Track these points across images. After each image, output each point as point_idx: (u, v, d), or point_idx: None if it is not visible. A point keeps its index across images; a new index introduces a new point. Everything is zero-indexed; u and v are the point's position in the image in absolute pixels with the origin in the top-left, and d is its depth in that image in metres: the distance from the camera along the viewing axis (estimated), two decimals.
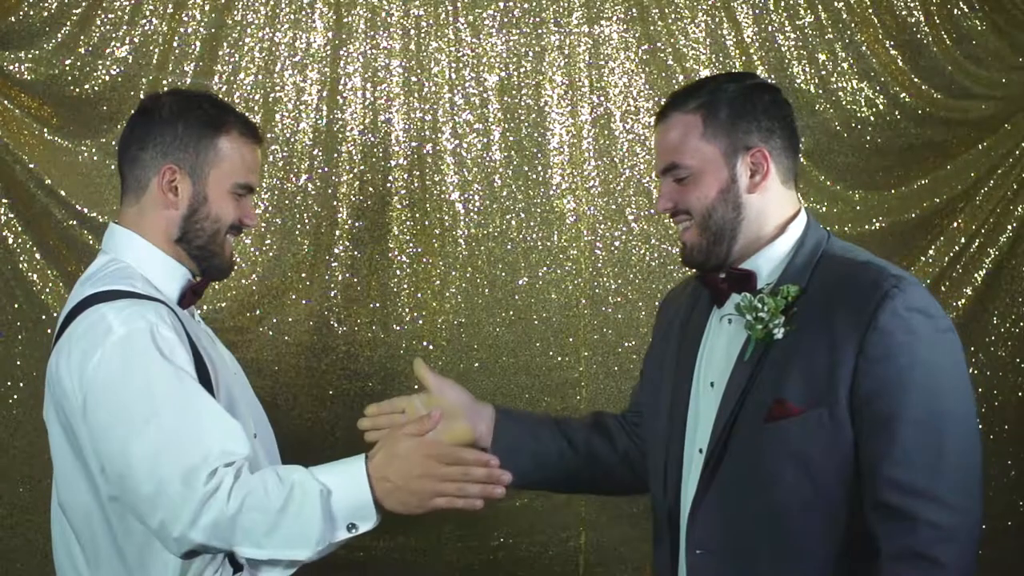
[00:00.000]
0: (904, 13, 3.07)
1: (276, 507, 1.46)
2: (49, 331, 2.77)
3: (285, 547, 1.47)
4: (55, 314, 2.80)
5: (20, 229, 2.83)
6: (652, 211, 3.08)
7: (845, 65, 3.09)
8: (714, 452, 1.59)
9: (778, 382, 1.54)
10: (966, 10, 3.04)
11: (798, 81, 3.09)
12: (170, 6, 2.87)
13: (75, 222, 2.84)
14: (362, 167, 2.99)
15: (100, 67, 2.85)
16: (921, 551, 1.45)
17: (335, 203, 2.99)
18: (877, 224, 3.12)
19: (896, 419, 1.47)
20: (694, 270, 1.76)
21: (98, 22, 2.84)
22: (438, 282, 3.02)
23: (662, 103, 3.20)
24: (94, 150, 2.85)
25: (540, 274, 3.06)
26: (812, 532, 1.53)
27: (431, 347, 3.02)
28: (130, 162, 1.72)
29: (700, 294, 1.77)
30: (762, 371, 1.57)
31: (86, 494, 1.61)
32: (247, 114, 2.87)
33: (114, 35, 2.85)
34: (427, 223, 3.01)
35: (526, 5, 3.02)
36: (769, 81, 1.77)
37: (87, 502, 1.61)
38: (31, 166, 2.81)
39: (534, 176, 3.05)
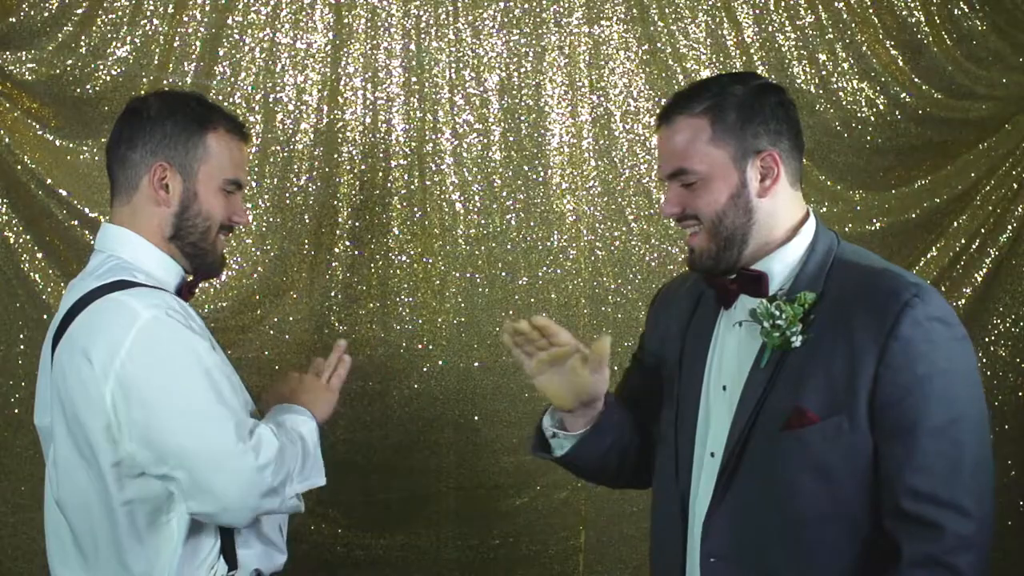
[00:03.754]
0: (904, 13, 3.07)
1: (300, 444, 1.68)
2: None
3: (315, 477, 1.70)
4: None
5: (21, 229, 2.83)
6: (652, 211, 3.08)
7: (845, 65, 3.09)
8: (730, 460, 1.58)
9: (796, 390, 1.53)
10: (966, 10, 3.04)
11: (798, 81, 3.08)
12: (170, 6, 2.87)
13: (76, 222, 2.84)
14: (362, 167, 3.00)
15: (101, 67, 2.85)
16: (942, 559, 1.45)
17: (335, 203, 2.99)
18: (877, 224, 3.12)
19: (916, 427, 1.47)
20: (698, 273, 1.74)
21: (98, 22, 2.84)
22: (438, 282, 3.02)
23: (662, 104, 3.19)
24: (94, 150, 2.85)
25: (540, 274, 3.06)
26: (829, 540, 1.53)
27: (431, 347, 3.02)
28: (120, 162, 1.74)
29: (701, 292, 1.74)
30: (779, 378, 1.55)
31: (90, 493, 1.61)
32: (247, 114, 2.90)
33: (114, 35, 2.85)
34: (427, 223, 3.01)
35: (526, 5, 3.03)
36: (773, 81, 1.76)
37: (89, 500, 1.61)
38: (32, 166, 2.81)
39: (534, 176, 3.05)
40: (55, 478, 1.68)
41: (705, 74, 3.05)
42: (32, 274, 2.84)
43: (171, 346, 1.58)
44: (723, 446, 1.61)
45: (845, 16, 3.08)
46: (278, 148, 2.96)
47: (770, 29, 3.08)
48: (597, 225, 3.08)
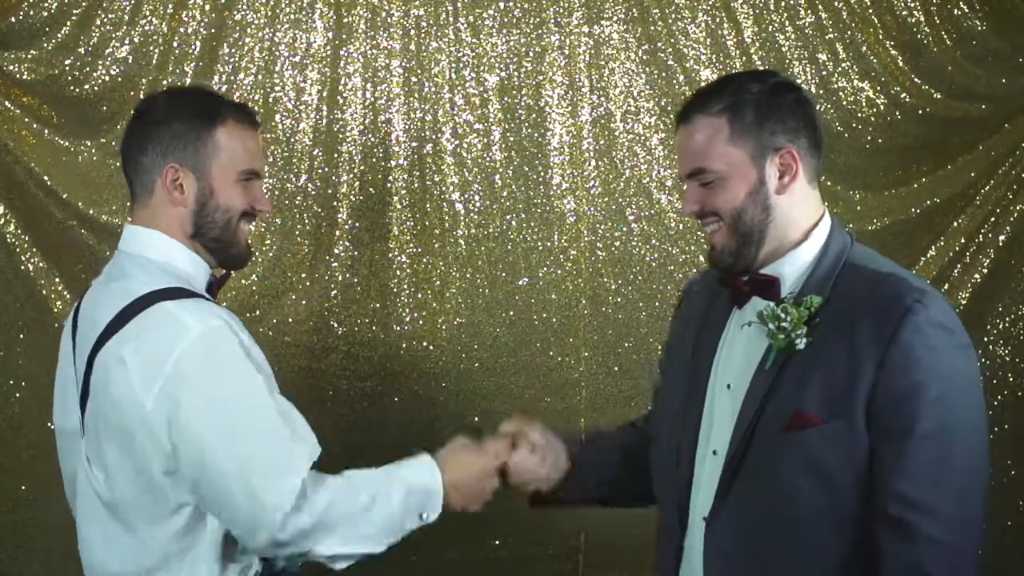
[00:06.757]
0: (904, 13, 3.08)
1: (361, 506, 1.63)
2: (50, 331, 2.77)
3: (366, 542, 1.64)
4: (56, 313, 2.80)
5: (20, 229, 2.83)
6: (653, 211, 3.09)
7: (845, 65, 3.09)
8: (733, 459, 1.59)
9: (798, 392, 1.54)
10: (966, 10, 3.04)
11: (798, 81, 3.08)
12: (170, 6, 2.87)
13: (75, 222, 2.84)
14: (362, 167, 2.99)
15: (100, 67, 2.85)
16: (918, 564, 1.45)
17: (335, 203, 2.99)
18: (877, 224, 3.12)
19: (908, 433, 1.47)
20: (721, 271, 1.74)
21: (98, 22, 2.84)
22: (438, 282, 3.02)
23: (662, 103, 3.18)
24: (94, 150, 2.86)
25: (540, 274, 3.06)
26: (826, 541, 1.53)
27: (431, 347, 3.02)
28: (133, 167, 1.73)
29: (718, 291, 1.74)
30: (782, 380, 1.56)
31: (142, 494, 1.61)
32: None
33: (114, 35, 2.85)
34: (427, 223, 3.01)
35: (526, 5, 3.03)
36: (792, 79, 1.76)
37: (142, 501, 1.61)
38: (31, 166, 2.81)
39: (534, 176, 3.05)
40: (102, 479, 1.65)
41: (705, 74, 3.05)
42: (32, 274, 2.84)
43: (218, 371, 1.57)
44: (725, 445, 1.62)
45: (845, 16, 3.08)
46: (278, 148, 2.96)
47: (770, 29, 3.08)
48: (597, 225, 3.08)
